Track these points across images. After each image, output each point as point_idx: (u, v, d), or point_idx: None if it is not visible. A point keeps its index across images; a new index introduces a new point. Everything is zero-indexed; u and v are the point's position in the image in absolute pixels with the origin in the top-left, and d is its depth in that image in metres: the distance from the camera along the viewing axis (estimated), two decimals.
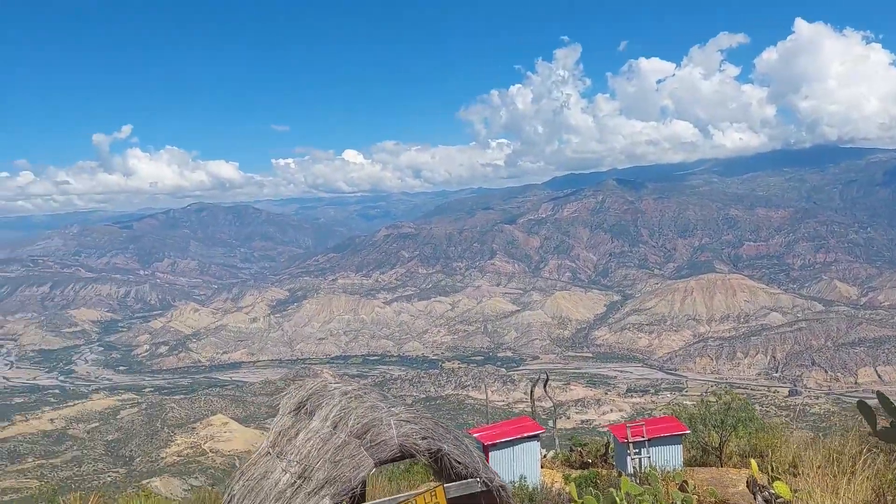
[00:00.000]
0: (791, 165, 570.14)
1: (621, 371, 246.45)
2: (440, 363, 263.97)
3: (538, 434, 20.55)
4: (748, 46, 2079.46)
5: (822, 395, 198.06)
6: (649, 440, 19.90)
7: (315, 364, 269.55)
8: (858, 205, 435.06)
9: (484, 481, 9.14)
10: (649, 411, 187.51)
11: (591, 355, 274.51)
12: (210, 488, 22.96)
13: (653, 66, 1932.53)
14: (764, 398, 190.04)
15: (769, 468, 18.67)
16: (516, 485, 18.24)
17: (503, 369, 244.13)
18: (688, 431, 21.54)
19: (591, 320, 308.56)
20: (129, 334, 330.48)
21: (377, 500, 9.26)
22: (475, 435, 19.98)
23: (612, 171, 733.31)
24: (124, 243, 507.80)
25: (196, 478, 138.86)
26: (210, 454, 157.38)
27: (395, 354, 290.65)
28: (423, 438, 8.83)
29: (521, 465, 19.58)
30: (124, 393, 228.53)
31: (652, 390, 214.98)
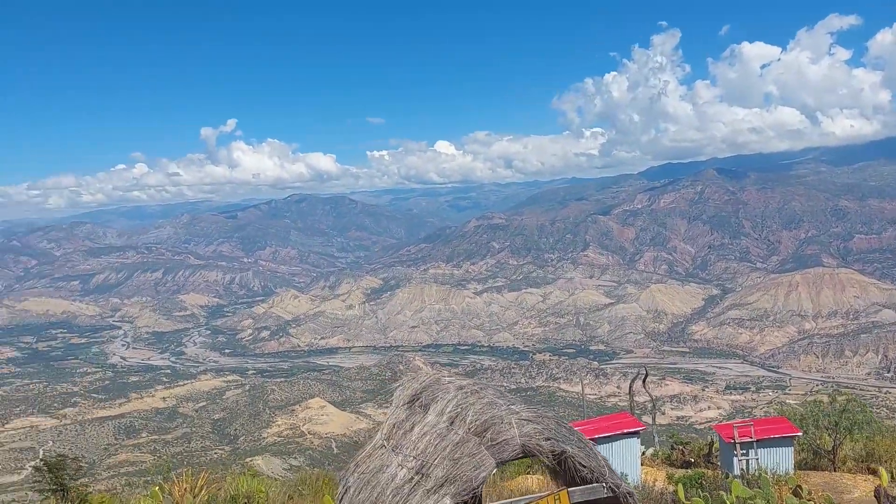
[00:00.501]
0: None
1: (720, 367, 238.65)
2: (531, 355, 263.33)
3: (638, 431, 20.55)
4: (860, 28, 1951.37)
5: None
6: (758, 441, 19.45)
7: (407, 351, 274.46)
8: None
9: (610, 486, 8.68)
10: (749, 409, 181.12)
11: (687, 350, 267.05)
12: (310, 469, 24.18)
13: (757, 51, 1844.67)
14: (874, 399, 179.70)
15: (891, 475, 18.17)
16: None
17: (595, 362, 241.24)
18: (799, 433, 20.78)
19: (688, 314, 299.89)
20: (233, 319, 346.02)
21: (502, 502, 8.95)
22: None
23: (713, 160, 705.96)
24: (230, 232, 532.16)
25: (295, 458, 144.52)
26: (308, 436, 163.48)
27: (486, 345, 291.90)
28: (547, 439, 8.42)
29: (620, 462, 19.36)
30: (229, 375, 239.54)
31: (752, 388, 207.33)
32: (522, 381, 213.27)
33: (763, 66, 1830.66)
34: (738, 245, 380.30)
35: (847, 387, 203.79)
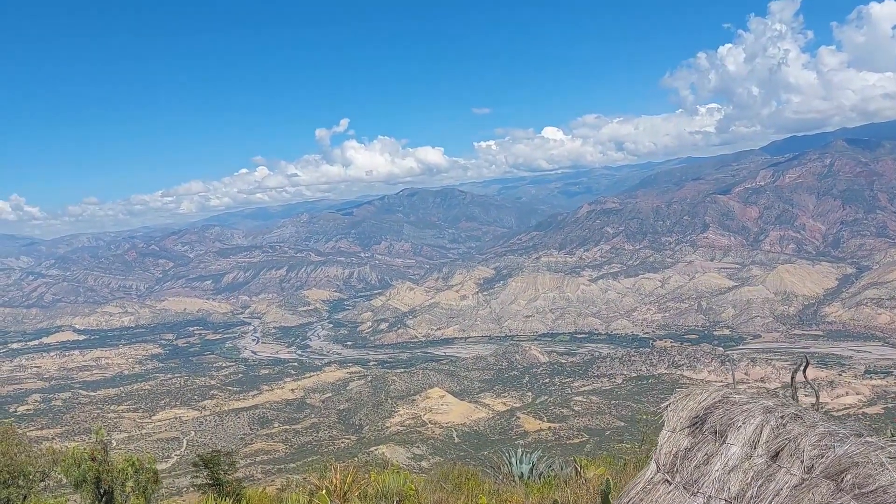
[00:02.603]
0: None
1: (857, 350, 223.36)
2: (651, 341, 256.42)
3: None
4: None
5: None
6: None
7: (522, 341, 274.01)
8: None
9: None
10: (893, 394, 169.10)
11: (821, 333, 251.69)
12: (451, 462, 24.85)
13: (888, 10, 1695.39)
14: None
15: None
16: None
17: (720, 348, 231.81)
18: None
19: (820, 295, 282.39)
20: (353, 312, 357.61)
21: None
22: None
23: (841, 130, 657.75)
24: (346, 228, 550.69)
25: (418, 447, 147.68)
26: (429, 425, 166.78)
27: (603, 332, 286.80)
28: None
29: None
30: (352, 366, 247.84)
31: (895, 372, 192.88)
32: (643, 369, 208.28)
33: (895, 27, 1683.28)
34: (874, 219, 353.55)
35: None
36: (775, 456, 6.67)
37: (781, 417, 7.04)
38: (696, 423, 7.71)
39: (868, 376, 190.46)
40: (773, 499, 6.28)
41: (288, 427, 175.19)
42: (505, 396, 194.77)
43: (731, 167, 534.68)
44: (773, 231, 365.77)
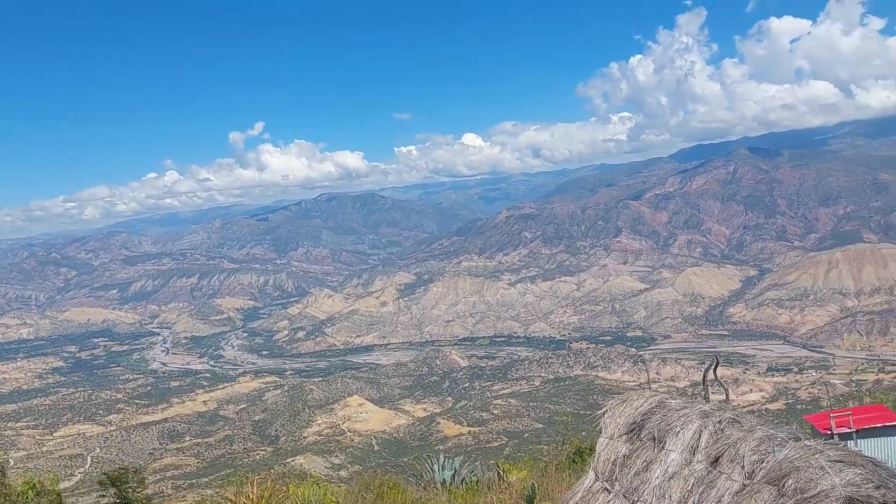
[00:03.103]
0: None
1: (760, 349, 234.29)
2: (568, 343, 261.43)
3: None
4: None
5: None
6: (857, 431, 18.05)
7: (443, 346, 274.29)
8: None
9: None
10: (793, 391, 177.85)
11: (726, 333, 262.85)
12: (373, 472, 23.85)
13: (785, 26, 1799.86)
14: None
15: None
16: None
17: (633, 349, 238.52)
18: None
19: (725, 297, 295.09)
20: (269, 320, 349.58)
21: None
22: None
23: (744, 139, 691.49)
24: (261, 234, 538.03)
25: (336, 456, 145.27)
26: (348, 434, 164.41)
27: (522, 335, 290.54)
28: (878, 487, 5.97)
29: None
30: (268, 376, 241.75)
31: (795, 369, 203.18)
32: (560, 370, 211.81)
33: (793, 41, 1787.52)
34: (774, 224, 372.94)
35: (894, 364, 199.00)
36: (715, 462, 6.58)
37: (719, 422, 6.96)
38: (634, 429, 7.62)
39: (770, 373, 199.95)
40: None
41: (200, 440, 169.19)
42: (425, 402, 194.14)
43: (641, 174, 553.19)
44: (682, 235, 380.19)
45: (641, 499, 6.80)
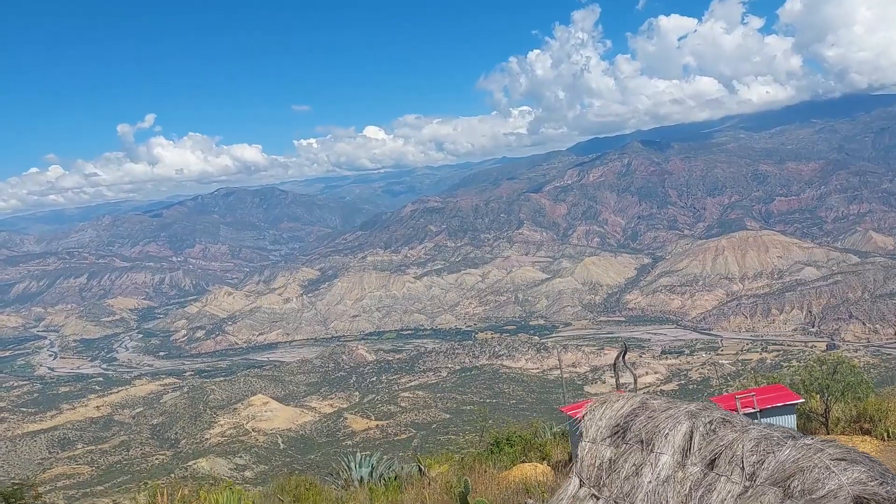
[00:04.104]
0: (820, 116, 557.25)
1: (654, 333, 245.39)
2: (473, 334, 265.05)
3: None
4: None
5: (861, 347, 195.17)
6: (761, 411, 19.04)
7: (350, 341, 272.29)
8: (892, 153, 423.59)
9: None
10: (685, 372, 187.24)
11: (623, 319, 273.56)
12: (289, 473, 23.03)
13: (673, 24, 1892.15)
14: (801, 353, 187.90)
15: (884, 434, 18.10)
16: None
17: (536, 337, 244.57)
18: (801, 400, 20.29)
19: (622, 284, 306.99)
20: (166, 320, 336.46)
21: None
22: (570, 413, 18.49)
23: (637, 132, 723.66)
24: (156, 231, 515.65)
25: (241, 457, 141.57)
26: (253, 433, 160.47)
27: (429, 328, 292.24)
28: (881, 484, 5.78)
29: None
30: (166, 378, 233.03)
31: (687, 351, 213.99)
32: (466, 361, 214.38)
33: (680, 38, 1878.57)
34: (666, 214, 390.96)
35: (775, 343, 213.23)
36: (711, 464, 6.34)
37: (710, 423, 6.73)
38: (618, 432, 7.31)
39: (664, 356, 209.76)
40: None
41: (94, 447, 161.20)
42: (332, 398, 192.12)
43: (541, 167, 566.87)
44: (580, 226, 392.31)
45: None
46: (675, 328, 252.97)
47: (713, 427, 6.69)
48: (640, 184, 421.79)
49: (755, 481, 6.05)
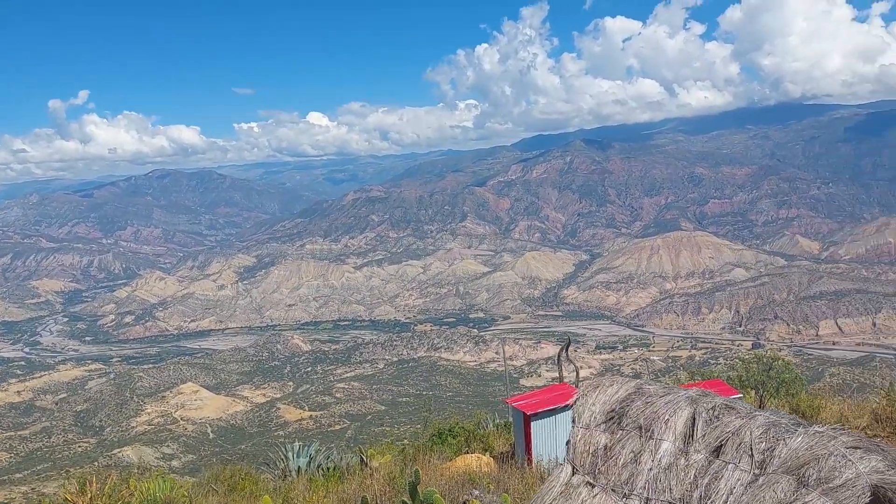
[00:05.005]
0: (755, 123, 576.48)
1: (590, 328, 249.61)
2: (412, 326, 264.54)
3: None
4: (712, 4, 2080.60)
5: (785, 347, 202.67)
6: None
7: (285, 330, 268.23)
8: (821, 161, 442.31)
9: None
10: (618, 367, 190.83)
11: (560, 314, 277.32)
12: (225, 463, 22.10)
13: (618, 25, 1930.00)
14: (728, 351, 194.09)
15: None
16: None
17: (475, 330, 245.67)
18: (740, 395, 20.36)
19: (560, 279, 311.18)
20: (93, 304, 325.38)
21: None
22: (515, 405, 18.86)
23: (580, 131, 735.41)
24: (85, 212, 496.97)
25: (168, 446, 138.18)
26: (182, 422, 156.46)
27: (367, 319, 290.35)
28: None
29: (563, 434, 18.46)
30: (91, 363, 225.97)
31: (620, 346, 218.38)
32: (404, 353, 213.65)
33: (625, 40, 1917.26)
34: (605, 212, 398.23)
35: (704, 341, 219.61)
36: (717, 451, 6.15)
37: (712, 408, 6.52)
38: (613, 417, 7.07)
39: (598, 351, 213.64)
40: (727, 498, 5.78)
41: (13, 433, 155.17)
42: (265, 388, 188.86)
43: (486, 161, 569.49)
44: (522, 221, 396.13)
45: (635, 493, 6.29)
46: (610, 324, 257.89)
47: (716, 413, 6.50)
48: (581, 182, 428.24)
49: (765, 469, 5.84)
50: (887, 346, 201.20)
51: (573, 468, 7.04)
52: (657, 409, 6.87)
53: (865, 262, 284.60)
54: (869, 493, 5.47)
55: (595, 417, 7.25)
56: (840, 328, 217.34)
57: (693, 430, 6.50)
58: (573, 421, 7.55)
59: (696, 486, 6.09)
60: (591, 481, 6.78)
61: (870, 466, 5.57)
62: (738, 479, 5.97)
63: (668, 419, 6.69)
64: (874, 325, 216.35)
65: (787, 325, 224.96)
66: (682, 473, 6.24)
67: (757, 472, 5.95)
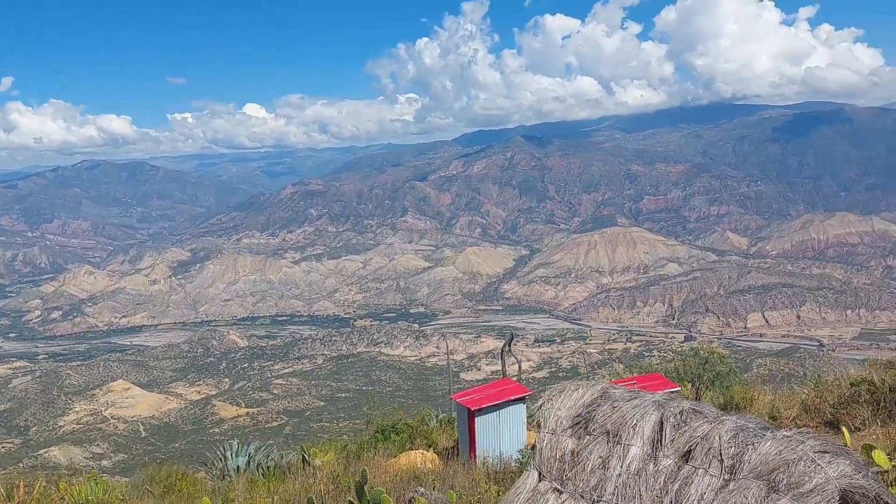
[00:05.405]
0: (688, 122, 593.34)
1: (529, 322, 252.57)
2: (352, 321, 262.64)
3: (524, 396, 19.59)
4: (649, 4, 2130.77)
5: (715, 339, 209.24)
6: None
7: (220, 326, 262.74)
8: (750, 160, 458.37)
9: None
10: (556, 360, 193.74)
11: (500, 308, 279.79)
12: (161, 464, 21.20)
13: (558, 23, 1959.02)
14: (662, 344, 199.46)
15: None
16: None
17: (416, 325, 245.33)
18: (679, 388, 20.61)
19: (500, 274, 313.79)
20: (18, 300, 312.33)
21: None
22: (459, 400, 18.48)
23: (520, 127, 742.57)
24: (9, 203, 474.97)
25: (98, 445, 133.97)
26: (112, 421, 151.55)
27: (305, 314, 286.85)
28: (864, 476, 5.74)
29: (507, 430, 18.16)
30: (16, 361, 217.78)
31: (558, 340, 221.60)
32: (344, 348, 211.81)
33: (564, 38, 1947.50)
34: (545, 208, 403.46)
35: (639, 334, 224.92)
36: (686, 456, 6.14)
37: (680, 413, 6.52)
38: (580, 422, 7.00)
39: (537, 344, 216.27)
40: (698, 503, 5.79)
41: None
42: (200, 385, 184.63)
43: (427, 156, 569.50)
44: (463, 216, 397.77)
45: (604, 499, 6.20)
46: (549, 318, 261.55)
47: (684, 418, 6.44)
48: (521, 178, 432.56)
49: (736, 474, 5.82)
50: (810, 337, 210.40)
51: (539, 474, 6.91)
52: (624, 413, 6.80)
53: (791, 257, 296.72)
54: (838, 498, 5.49)
55: (561, 422, 7.16)
56: (767, 321, 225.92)
57: (661, 435, 6.43)
58: (539, 426, 7.38)
59: (667, 491, 6.04)
60: (559, 487, 6.67)
61: (838, 471, 5.59)
62: (709, 485, 5.93)
63: (635, 424, 6.62)
64: (798, 317, 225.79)
65: (718, 317, 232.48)
66: (652, 479, 6.17)
67: (727, 477, 5.90)
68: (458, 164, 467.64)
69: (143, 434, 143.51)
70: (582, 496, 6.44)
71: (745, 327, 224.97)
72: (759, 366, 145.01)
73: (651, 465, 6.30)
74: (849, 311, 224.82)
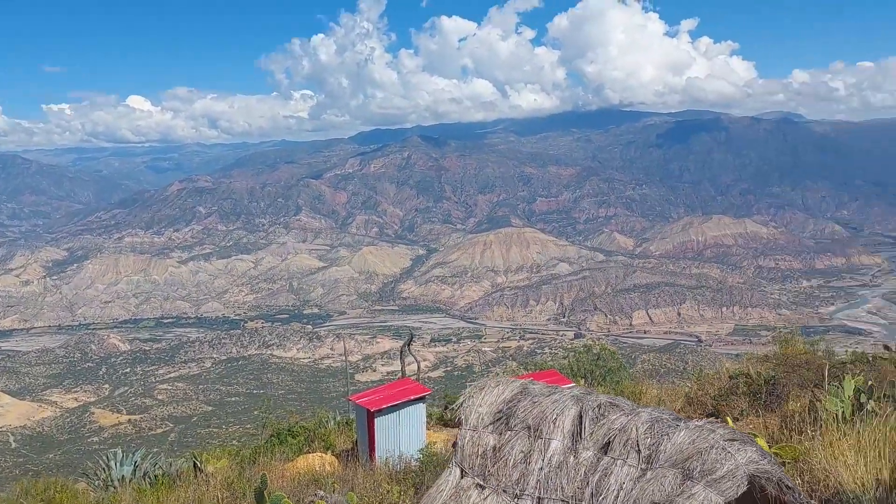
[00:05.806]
0: (579, 126, 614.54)
1: (426, 322, 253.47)
2: (242, 323, 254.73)
3: (424, 396, 19.25)
4: (542, 10, 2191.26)
5: (603, 336, 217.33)
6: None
7: (100, 329, 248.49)
8: (635, 164, 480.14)
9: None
10: (451, 359, 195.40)
11: (397, 308, 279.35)
12: (37, 476, 19.35)
13: (455, 25, 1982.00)
14: (553, 341, 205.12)
15: None
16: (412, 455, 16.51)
17: (309, 326, 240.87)
18: (573, 384, 20.92)
19: (397, 274, 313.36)
20: None
21: None
22: (358, 402, 18.22)
23: (417, 127, 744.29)
24: None
25: None
26: None
27: (193, 316, 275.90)
28: (769, 462, 6.09)
29: (407, 430, 18.16)
30: None
31: (454, 339, 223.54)
32: (234, 350, 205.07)
33: (460, 40, 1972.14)
34: (441, 208, 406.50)
35: (532, 332, 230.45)
36: (605, 448, 6.40)
37: (598, 406, 6.73)
38: (501, 418, 7.15)
39: (433, 344, 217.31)
40: (617, 493, 6.01)
41: None
42: (77, 391, 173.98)
43: (323, 153, 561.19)
44: (360, 215, 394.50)
45: (527, 493, 6.34)
46: (445, 317, 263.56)
47: (602, 411, 6.66)
48: (418, 177, 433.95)
49: (652, 464, 6.11)
50: (690, 333, 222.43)
51: (462, 470, 6.92)
52: (544, 408, 6.92)
53: (672, 257, 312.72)
54: (746, 482, 5.83)
55: (482, 419, 7.20)
56: (650, 318, 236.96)
57: (581, 429, 6.59)
58: (460, 423, 7.36)
59: (587, 483, 6.22)
60: (482, 483, 6.72)
61: (747, 457, 5.92)
62: (627, 475, 6.15)
63: (555, 418, 6.76)
64: (679, 314, 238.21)
65: (606, 315, 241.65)
66: (573, 471, 6.34)
67: (644, 466, 6.15)
68: (354, 163, 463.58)
69: (14, 445, 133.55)
70: (505, 491, 6.52)
71: (631, 324, 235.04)
72: (644, 361, 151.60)
73: (572, 458, 6.46)
74: (724, 309, 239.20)
